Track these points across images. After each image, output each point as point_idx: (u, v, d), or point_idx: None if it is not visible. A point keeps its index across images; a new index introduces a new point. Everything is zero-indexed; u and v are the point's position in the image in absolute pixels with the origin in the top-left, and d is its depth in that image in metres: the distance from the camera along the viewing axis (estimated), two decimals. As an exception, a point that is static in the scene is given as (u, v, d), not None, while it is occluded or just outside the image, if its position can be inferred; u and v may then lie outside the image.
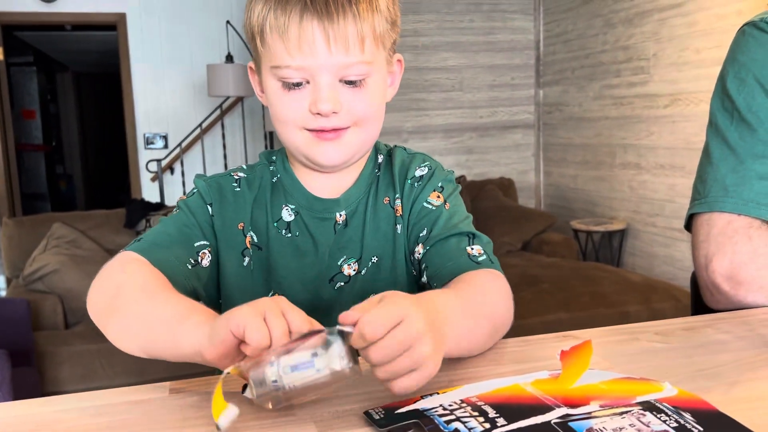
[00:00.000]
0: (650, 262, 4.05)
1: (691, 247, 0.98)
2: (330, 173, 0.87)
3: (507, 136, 5.21)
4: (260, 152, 0.95)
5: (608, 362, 0.69)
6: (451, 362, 0.71)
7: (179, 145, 5.14)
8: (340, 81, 0.78)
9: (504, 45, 5.08)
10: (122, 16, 5.27)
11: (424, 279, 0.85)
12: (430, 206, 0.87)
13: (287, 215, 0.88)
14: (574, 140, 4.75)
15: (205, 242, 0.85)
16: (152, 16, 5.28)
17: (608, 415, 0.55)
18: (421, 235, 0.86)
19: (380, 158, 0.92)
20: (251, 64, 0.87)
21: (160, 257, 0.78)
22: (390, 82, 0.87)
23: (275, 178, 0.90)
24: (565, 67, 4.80)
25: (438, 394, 0.61)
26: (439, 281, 0.81)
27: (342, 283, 0.88)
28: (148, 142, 5.45)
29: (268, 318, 0.55)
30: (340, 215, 0.88)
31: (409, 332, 0.55)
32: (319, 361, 0.54)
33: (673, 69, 3.69)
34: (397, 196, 0.89)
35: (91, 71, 9.35)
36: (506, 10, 5.02)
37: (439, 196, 0.88)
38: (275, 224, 0.88)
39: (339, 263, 0.88)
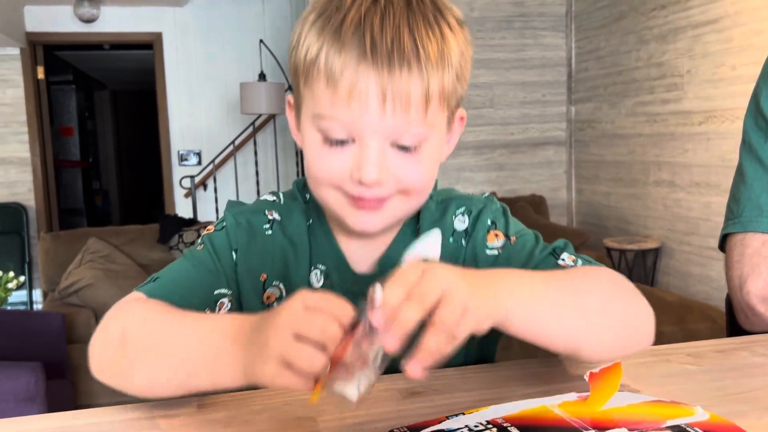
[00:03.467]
0: (685, 281, 3.98)
1: (724, 267, 0.96)
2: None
3: (538, 152, 5.18)
4: (303, 181, 0.80)
5: (638, 384, 0.68)
6: (478, 382, 0.70)
7: (212, 161, 5.21)
8: (392, 145, 0.66)
9: (535, 62, 5.06)
10: (158, 36, 5.40)
11: None
12: (494, 251, 0.76)
13: (315, 280, 0.77)
14: (606, 157, 4.71)
15: (225, 290, 0.75)
16: (187, 36, 5.39)
17: None
18: None
19: (423, 209, 0.78)
20: (290, 98, 0.76)
21: (176, 302, 0.69)
22: (447, 140, 0.73)
23: (309, 222, 0.79)
24: (598, 84, 4.76)
25: (464, 414, 0.60)
26: None
27: None
28: (182, 158, 5.55)
29: (308, 334, 0.48)
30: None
31: (437, 279, 0.50)
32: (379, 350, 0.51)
33: (708, 86, 3.64)
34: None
35: (127, 89, 9.56)
36: (537, 27, 5.01)
37: (497, 235, 0.76)
38: (301, 286, 0.74)
39: None
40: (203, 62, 5.43)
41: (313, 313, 0.49)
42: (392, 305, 0.49)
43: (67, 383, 2.75)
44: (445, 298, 0.50)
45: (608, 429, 0.56)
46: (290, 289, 0.76)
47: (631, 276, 4.19)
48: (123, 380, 0.62)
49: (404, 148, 0.66)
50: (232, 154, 5.24)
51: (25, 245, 5.30)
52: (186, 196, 5.36)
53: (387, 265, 0.76)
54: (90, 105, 8.92)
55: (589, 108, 4.90)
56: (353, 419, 0.61)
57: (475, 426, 0.57)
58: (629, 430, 0.56)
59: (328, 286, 0.76)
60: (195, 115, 5.48)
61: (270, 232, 0.77)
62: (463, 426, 0.57)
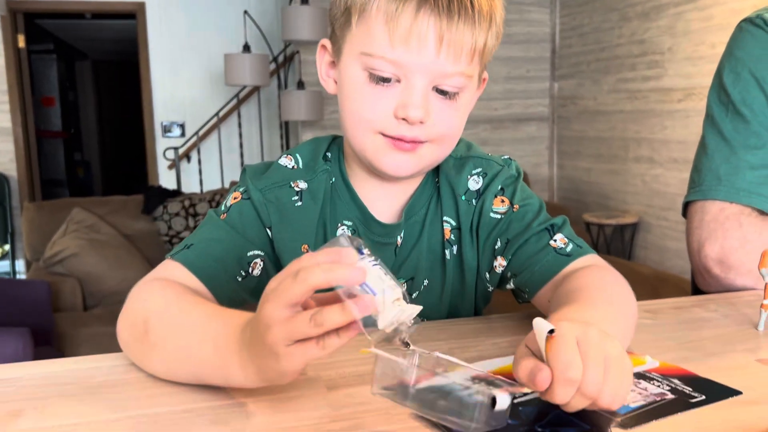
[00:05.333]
0: (661, 255, 4.07)
1: (685, 233, 1.03)
2: (391, 182, 0.80)
3: (521, 128, 5.23)
4: (317, 141, 0.84)
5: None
6: (452, 333, 0.76)
7: (196, 133, 5.21)
8: (433, 89, 0.70)
9: (520, 37, 5.09)
10: (141, 6, 5.35)
11: (510, 286, 0.79)
12: (497, 215, 0.80)
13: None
14: (588, 133, 4.77)
15: (258, 252, 0.77)
16: (171, 6, 5.35)
17: None
18: (497, 247, 0.79)
19: (442, 163, 0.82)
20: (325, 41, 0.77)
21: (208, 272, 0.72)
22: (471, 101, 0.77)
23: (331, 181, 0.81)
24: (581, 61, 4.81)
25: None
26: (534, 286, 0.74)
27: None
28: (166, 130, 5.53)
29: (291, 300, 0.48)
30: (400, 237, 0.81)
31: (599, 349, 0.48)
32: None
33: (687, 63, 3.70)
34: (445, 218, 0.82)
35: (109, 59, 9.46)
36: (523, 2, 5.03)
37: (503, 201, 0.80)
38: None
39: None
40: (187, 33, 5.39)
41: (289, 282, 0.48)
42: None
43: (53, 351, 2.79)
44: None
45: None
46: None
47: (609, 250, 4.28)
48: (144, 364, 0.66)
49: (444, 93, 0.70)
50: (216, 126, 5.24)
51: (8, 216, 5.29)
52: (170, 167, 5.36)
53: (410, 214, 0.81)
54: (71, 75, 8.82)
55: (572, 84, 4.95)
56: (341, 366, 0.66)
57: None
58: None
59: None
60: (178, 86, 5.46)
61: (300, 203, 0.79)
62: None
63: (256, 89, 5.21)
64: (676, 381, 0.61)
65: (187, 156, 5.39)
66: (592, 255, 0.75)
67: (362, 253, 0.49)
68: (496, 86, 5.09)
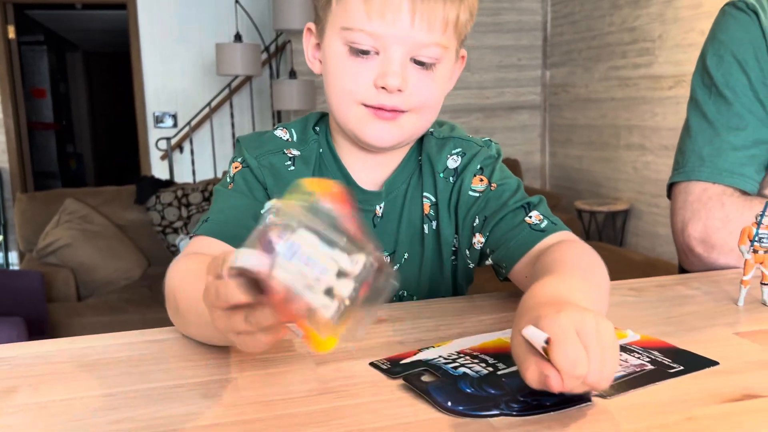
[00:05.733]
0: (652, 242, 4.10)
1: (670, 213, 1.04)
2: (374, 154, 0.83)
3: (513, 116, 5.24)
4: (307, 116, 0.89)
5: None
6: (437, 311, 0.77)
7: (188, 123, 5.20)
8: (411, 59, 0.74)
9: (511, 26, 5.10)
10: (132, -5, 5.32)
11: (489, 262, 0.81)
12: (475, 194, 0.83)
13: None
14: (579, 121, 4.79)
15: None
16: (162, -4, 5.33)
17: None
18: (474, 224, 0.82)
19: (425, 142, 0.86)
20: (310, 24, 0.82)
21: (233, 236, 0.75)
22: (451, 74, 0.81)
23: (320, 151, 0.86)
24: (572, 48, 4.82)
25: (434, 347, 0.66)
26: (510, 261, 0.76)
27: None
28: (158, 120, 5.52)
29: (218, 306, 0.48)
30: (380, 207, 0.85)
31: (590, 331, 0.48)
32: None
33: (677, 50, 3.72)
34: (425, 194, 0.85)
35: (101, 50, 9.41)
36: (514, -10, 5.03)
37: (482, 179, 0.83)
38: None
39: None
40: (178, 23, 5.37)
41: (210, 285, 0.49)
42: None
43: (47, 340, 2.80)
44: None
45: None
46: None
47: (600, 237, 4.31)
48: (184, 332, 0.70)
49: (421, 64, 0.74)
50: (208, 116, 5.23)
51: (0, 207, 5.28)
52: (162, 158, 5.35)
53: (392, 188, 0.85)
54: (62, 66, 8.78)
55: (564, 72, 4.96)
56: (331, 356, 0.67)
57: (449, 355, 0.63)
58: None
59: None
60: (170, 76, 5.44)
61: (293, 168, 0.83)
62: (437, 356, 0.63)
63: (248, 79, 5.20)
64: (655, 353, 0.63)
65: (179, 146, 5.38)
66: (566, 231, 0.77)
67: (280, 238, 0.43)
68: (487, 75, 5.10)
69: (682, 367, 0.60)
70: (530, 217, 0.78)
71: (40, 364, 0.65)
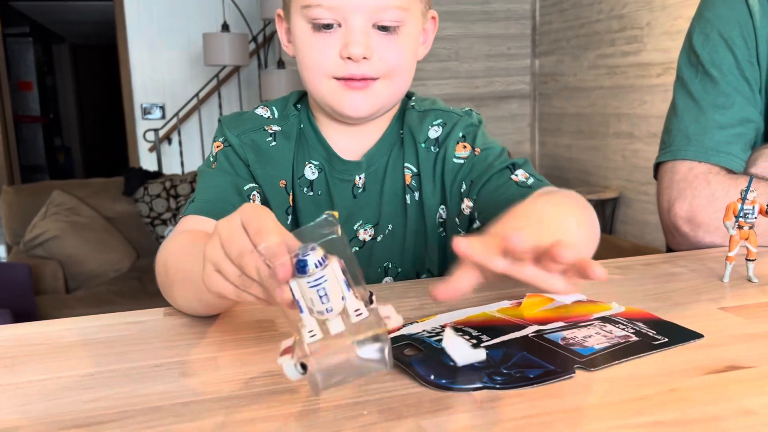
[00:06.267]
0: (642, 230, 4.11)
1: (656, 193, 1.04)
2: (354, 126, 0.84)
3: (503, 106, 5.23)
4: (287, 95, 0.90)
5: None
6: (421, 291, 0.77)
7: (176, 115, 5.16)
8: (374, 26, 0.75)
9: (500, 15, 5.08)
10: (118, -14, 5.27)
11: (477, 225, 0.82)
12: (460, 161, 0.84)
13: (310, 173, 0.85)
14: (568, 110, 4.79)
15: (253, 185, 0.83)
16: (148, -14, 5.28)
17: (575, 328, 0.62)
18: (462, 190, 0.83)
19: (406, 115, 0.87)
20: (279, 11, 0.84)
21: (220, 211, 0.76)
22: (423, 39, 0.83)
23: (301, 126, 0.87)
24: (561, 37, 4.81)
25: (417, 322, 0.65)
26: (498, 219, 0.76)
27: (356, 248, 0.85)
28: (146, 112, 5.48)
29: (228, 252, 0.48)
30: (360, 178, 0.85)
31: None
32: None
33: (666, 38, 3.72)
34: (406, 164, 0.85)
35: (87, 43, 9.33)
36: (502, -21, 5.01)
37: (465, 146, 0.84)
38: (298, 180, 0.85)
39: (355, 227, 0.85)
40: (165, 13, 5.33)
41: (238, 234, 0.48)
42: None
43: (35, 332, 2.78)
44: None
45: (547, 323, 0.63)
46: (294, 186, 0.85)
47: (590, 225, 4.31)
48: (170, 301, 0.72)
49: (385, 29, 0.75)
50: (196, 107, 5.19)
51: (-13, 201, 5.23)
52: (150, 150, 5.32)
53: (372, 161, 0.86)
54: (49, 59, 8.70)
55: (552, 61, 4.95)
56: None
57: (432, 329, 0.63)
58: (565, 322, 0.64)
59: (322, 176, 0.85)
60: (157, 67, 5.39)
61: (274, 143, 0.85)
62: (421, 330, 0.63)
63: (236, 69, 5.16)
64: (640, 324, 0.63)
65: (167, 138, 5.34)
66: (552, 186, 0.79)
67: (321, 264, 0.45)
68: (476, 64, 5.08)
69: (666, 339, 0.59)
70: (516, 175, 0.79)
71: (16, 346, 0.64)
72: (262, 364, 0.57)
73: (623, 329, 0.62)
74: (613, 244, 3.45)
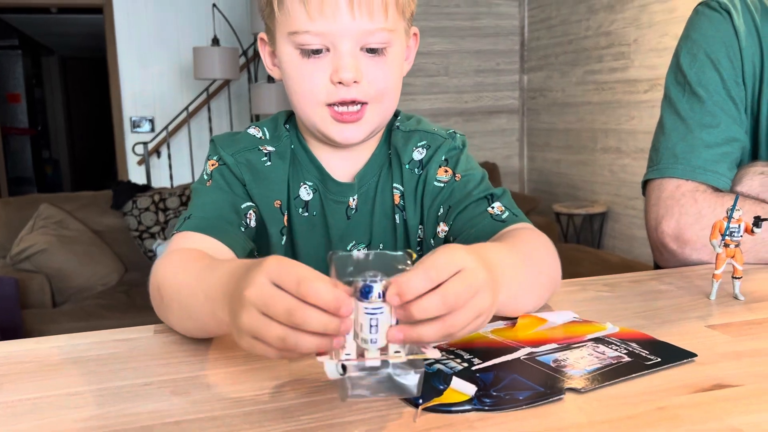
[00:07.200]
0: (629, 244, 4.14)
1: (644, 210, 1.05)
2: (344, 149, 0.84)
3: (492, 121, 5.26)
4: (276, 115, 0.89)
5: (557, 308, 0.76)
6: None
7: (166, 128, 5.16)
8: (362, 49, 0.75)
9: (489, 30, 5.12)
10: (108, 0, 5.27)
11: None
12: (440, 184, 0.85)
13: (305, 194, 0.86)
14: (557, 125, 4.82)
15: (250, 203, 0.83)
16: (138, 0, 5.29)
17: (568, 350, 0.62)
18: (439, 214, 0.84)
19: (392, 135, 0.88)
20: (262, 34, 0.84)
21: (217, 229, 0.76)
22: (406, 55, 0.83)
23: (292, 146, 0.87)
24: (549, 53, 4.86)
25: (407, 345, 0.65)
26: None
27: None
28: (135, 125, 5.47)
29: (274, 316, 0.47)
30: (353, 199, 0.86)
31: (469, 283, 0.49)
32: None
33: (653, 54, 3.76)
34: (395, 185, 0.86)
35: (77, 55, 9.31)
36: (492, -5, 5.06)
37: (446, 171, 0.85)
38: (294, 200, 0.85)
39: (348, 248, 0.86)
40: (155, 26, 5.33)
41: (277, 295, 0.47)
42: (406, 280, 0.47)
43: (21, 347, 2.75)
44: (462, 273, 0.50)
45: (540, 345, 0.63)
46: (290, 207, 0.85)
47: (578, 240, 4.34)
48: (165, 322, 0.71)
49: (373, 51, 0.76)
50: (185, 120, 5.19)
51: (-27, 214, 5.19)
52: (139, 163, 5.30)
53: (363, 181, 0.86)
54: (38, 71, 8.67)
55: (541, 77, 4.99)
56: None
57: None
58: (558, 344, 0.64)
59: (317, 197, 0.86)
60: (147, 80, 5.39)
61: (269, 163, 0.84)
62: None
63: (226, 83, 5.17)
64: (633, 345, 0.63)
65: (156, 151, 5.33)
66: (526, 222, 0.79)
67: (382, 296, 0.46)
68: (466, 79, 5.12)
69: (659, 359, 0.60)
70: (492, 207, 0.80)
71: (5, 364, 0.64)
72: (253, 383, 0.57)
73: (616, 350, 0.62)
74: (602, 258, 3.46)
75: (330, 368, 0.48)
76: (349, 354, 0.47)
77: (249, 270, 0.50)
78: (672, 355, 0.61)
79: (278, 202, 0.84)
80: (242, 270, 0.53)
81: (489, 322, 0.65)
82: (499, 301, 0.57)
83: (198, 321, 0.63)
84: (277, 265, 0.48)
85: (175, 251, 0.73)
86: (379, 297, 0.46)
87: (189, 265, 0.67)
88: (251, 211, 0.83)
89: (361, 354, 0.47)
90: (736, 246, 0.76)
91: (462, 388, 0.53)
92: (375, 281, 0.46)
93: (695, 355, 0.60)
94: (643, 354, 0.61)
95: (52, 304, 3.28)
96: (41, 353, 0.66)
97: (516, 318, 0.69)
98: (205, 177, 0.84)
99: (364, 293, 0.46)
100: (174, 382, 0.58)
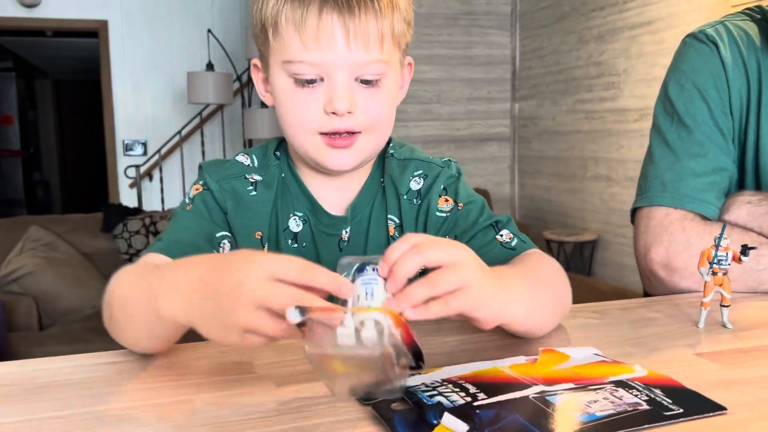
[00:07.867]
0: (620, 272, 4.14)
1: (633, 238, 1.05)
2: (336, 177, 0.84)
3: (483, 148, 5.30)
4: (266, 143, 0.89)
5: (549, 335, 0.75)
6: (432, 345, 0.76)
7: (158, 151, 5.16)
8: (356, 80, 0.75)
9: (481, 59, 5.18)
10: (104, 24, 5.31)
11: None
12: (443, 214, 0.84)
13: (295, 225, 0.85)
14: (547, 153, 4.86)
15: (226, 233, 0.82)
16: (134, 24, 5.33)
17: (583, 390, 0.58)
18: None
19: (386, 163, 0.87)
20: (255, 60, 0.84)
21: (184, 253, 0.71)
22: (400, 85, 0.83)
23: (282, 176, 0.86)
24: (540, 82, 4.91)
25: (420, 374, 0.62)
26: None
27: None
28: (127, 148, 5.47)
29: (272, 306, 0.52)
30: (346, 232, 0.85)
31: (450, 252, 0.57)
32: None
33: (642, 84, 3.81)
34: (390, 216, 0.85)
35: (71, 78, 9.34)
36: (484, 25, 5.12)
37: (447, 200, 0.85)
38: (283, 232, 0.84)
39: None
40: (150, 51, 5.37)
41: (275, 284, 0.52)
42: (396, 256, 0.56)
43: (6, 370, 2.71)
44: (446, 245, 0.58)
45: (555, 384, 0.59)
46: (278, 240, 0.85)
47: (569, 267, 4.34)
48: (118, 339, 0.70)
49: (367, 83, 0.75)
50: (178, 144, 5.20)
51: (-38, 235, 5.15)
52: (131, 186, 5.30)
53: (356, 212, 0.85)
54: (31, 94, 8.68)
55: (532, 105, 5.04)
56: (292, 365, 0.66)
57: (432, 383, 0.60)
58: (575, 384, 0.59)
59: (307, 229, 0.85)
60: (141, 104, 5.41)
61: (254, 193, 0.83)
62: (419, 383, 0.60)
63: (219, 108, 5.19)
64: (657, 391, 0.58)
65: (149, 174, 5.33)
66: (535, 249, 0.80)
67: (362, 272, 0.56)
68: (458, 107, 5.16)
69: (681, 410, 0.54)
70: (501, 235, 0.81)
71: (-12, 387, 0.63)
72: (238, 407, 0.57)
73: (636, 395, 0.57)
74: (592, 286, 3.47)
75: (292, 315, 0.51)
76: (343, 335, 0.52)
77: (229, 264, 0.56)
78: (698, 406, 0.55)
79: (259, 233, 0.83)
80: (216, 264, 0.59)
81: (511, 356, 0.66)
82: (499, 299, 0.61)
83: (142, 325, 0.64)
84: (271, 257, 0.54)
85: (133, 266, 0.72)
86: (374, 270, 0.55)
87: (136, 274, 0.68)
88: (226, 241, 0.81)
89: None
90: (724, 274, 0.76)
91: (453, 426, 0.51)
92: (369, 263, 0.56)
93: (725, 409, 0.54)
94: (665, 403, 0.55)
95: (39, 326, 3.25)
96: (24, 376, 0.66)
97: (536, 355, 0.66)
98: (187, 201, 0.83)
99: (360, 270, 0.55)
100: (160, 407, 0.58)
